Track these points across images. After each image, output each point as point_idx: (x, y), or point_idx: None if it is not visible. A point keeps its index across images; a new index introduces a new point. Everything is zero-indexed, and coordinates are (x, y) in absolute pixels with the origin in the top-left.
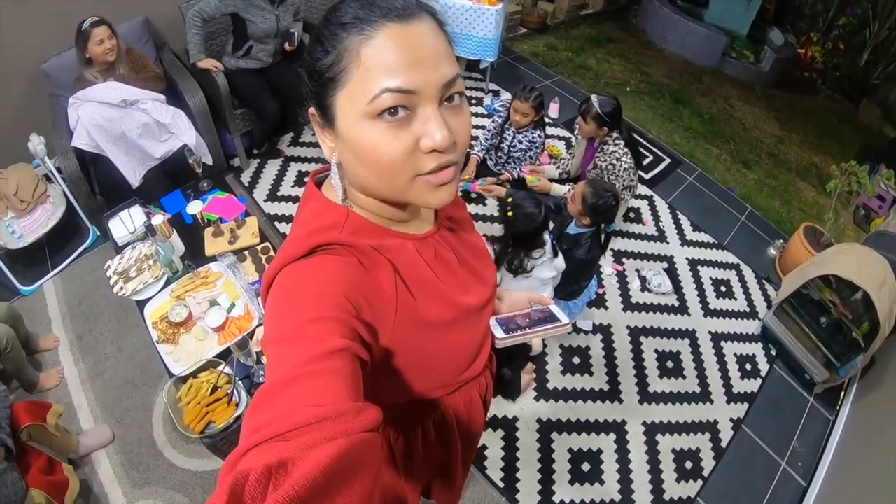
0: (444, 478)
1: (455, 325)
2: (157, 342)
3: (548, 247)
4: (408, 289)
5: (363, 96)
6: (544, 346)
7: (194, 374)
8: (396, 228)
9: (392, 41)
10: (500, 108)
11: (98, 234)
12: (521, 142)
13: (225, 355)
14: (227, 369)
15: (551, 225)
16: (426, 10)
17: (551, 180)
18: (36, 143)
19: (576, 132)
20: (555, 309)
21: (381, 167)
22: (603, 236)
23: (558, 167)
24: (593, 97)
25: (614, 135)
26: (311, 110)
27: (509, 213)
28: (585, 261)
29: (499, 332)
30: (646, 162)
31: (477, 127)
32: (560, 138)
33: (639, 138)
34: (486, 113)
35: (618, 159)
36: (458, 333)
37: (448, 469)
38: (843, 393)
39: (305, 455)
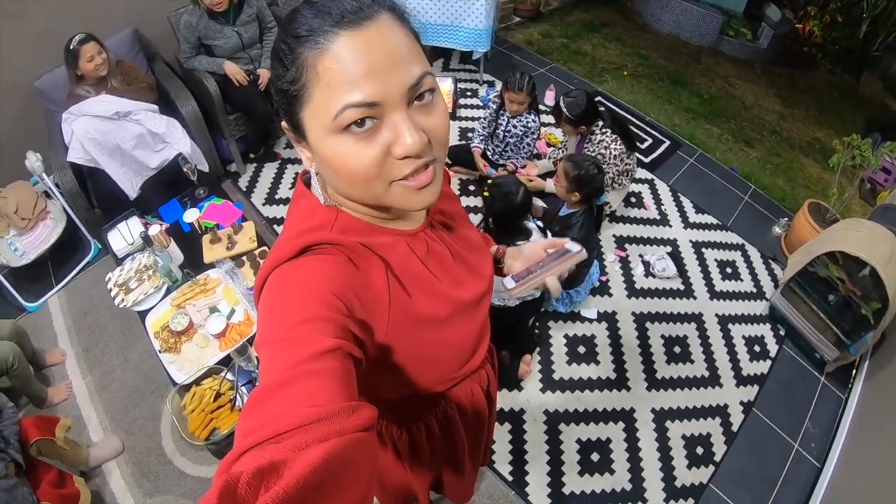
0: (452, 472)
1: (451, 320)
2: (160, 352)
3: (534, 237)
4: (401, 285)
5: (326, 113)
6: (549, 336)
7: (197, 382)
8: (387, 226)
9: (347, 52)
10: (495, 98)
11: (99, 247)
12: (515, 127)
13: (227, 361)
14: (230, 375)
15: (537, 218)
16: (383, 6)
17: (546, 174)
18: (33, 160)
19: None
20: (569, 244)
21: (355, 179)
22: (595, 210)
23: (550, 158)
24: (561, 101)
25: (599, 124)
26: (283, 124)
27: (485, 193)
28: (578, 241)
29: (509, 283)
30: (645, 145)
31: (474, 119)
32: (558, 126)
33: (638, 121)
34: (481, 104)
35: (606, 147)
36: (455, 328)
37: (456, 463)
38: (854, 371)
39: (297, 456)
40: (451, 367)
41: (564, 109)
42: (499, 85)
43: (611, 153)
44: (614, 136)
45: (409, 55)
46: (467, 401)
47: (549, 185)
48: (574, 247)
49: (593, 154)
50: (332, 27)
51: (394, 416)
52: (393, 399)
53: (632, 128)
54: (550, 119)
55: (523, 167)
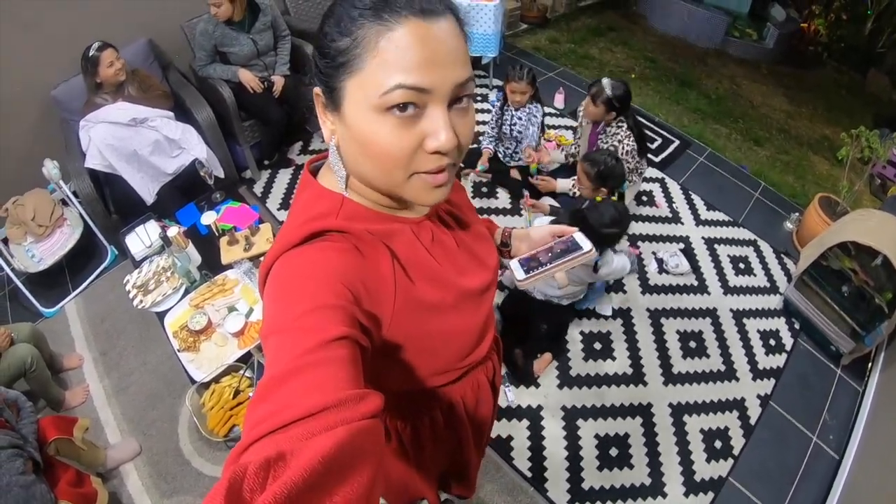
0: (457, 463)
1: (455, 309)
2: (179, 351)
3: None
4: (406, 273)
5: (375, 88)
6: (565, 331)
7: (216, 380)
8: (393, 213)
9: (412, 36)
10: (499, 96)
11: (116, 253)
12: (520, 118)
13: (246, 359)
14: (248, 372)
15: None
16: (450, 9)
17: (559, 171)
18: (50, 167)
19: (580, 116)
20: (578, 237)
21: (383, 161)
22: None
23: (563, 151)
24: (604, 80)
25: (619, 119)
26: (317, 90)
27: (598, 199)
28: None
29: (520, 274)
30: (654, 145)
31: (484, 122)
32: (567, 128)
33: (647, 122)
34: (490, 108)
35: (620, 141)
36: (459, 317)
37: (461, 455)
38: (870, 363)
39: (304, 446)
40: (455, 357)
41: (608, 89)
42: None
43: (623, 147)
44: (628, 133)
45: (462, 57)
46: (473, 392)
47: (560, 184)
48: (585, 244)
49: (605, 146)
50: (403, 10)
51: (400, 408)
52: (399, 391)
53: (645, 130)
54: (558, 122)
55: (536, 149)
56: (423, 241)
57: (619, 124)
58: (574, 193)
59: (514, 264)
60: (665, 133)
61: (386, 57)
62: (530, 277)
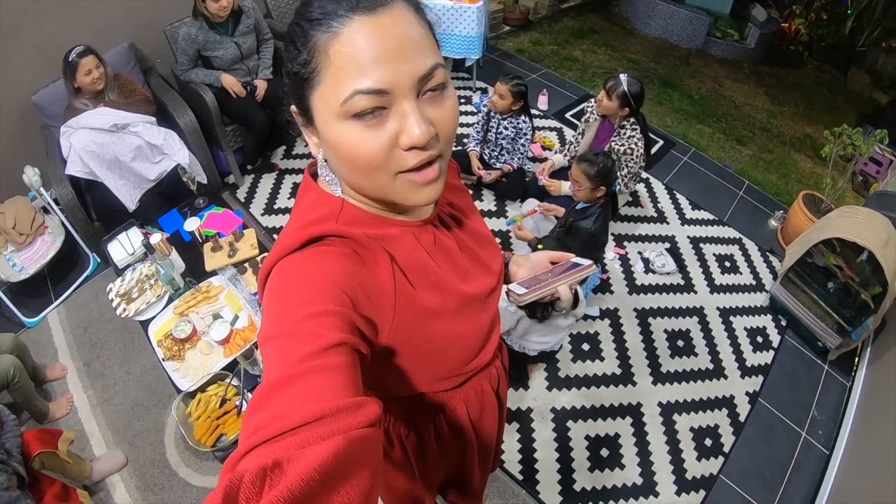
0: (461, 475)
1: (457, 314)
2: (164, 360)
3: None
4: (406, 278)
5: (335, 98)
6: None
7: (202, 389)
8: (393, 217)
9: (359, 36)
10: (487, 103)
11: (98, 261)
12: (506, 128)
13: (232, 367)
14: (235, 381)
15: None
16: None
17: (562, 174)
18: (31, 174)
19: (589, 111)
20: (576, 259)
21: (359, 166)
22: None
23: (566, 154)
24: (622, 75)
25: (631, 120)
26: (293, 108)
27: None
28: (592, 232)
29: (519, 289)
30: None
31: (468, 125)
32: (552, 129)
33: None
34: (474, 111)
35: (636, 144)
36: (462, 322)
37: (464, 465)
38: (857, 357)
39: (301, 454)
40: (458, 363)
41: (624, 84)
42: (491, 91)
43: (638, 151)
44: (641, 137)
45: (422, 45)
46: (477, 399)
47: (564, 187)
48: (584, 261)
49: (621, 148)
50: (347, 12)
51: (403, 414)
52: (402, 396)
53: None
54: (544, 122)
55: (542, 161)
56: (425, 246)
57: (634, 127)
58: (574, 194)
59: (513, 286)
60: (649, 133)
61: (339, 64)
62: (530, 292)
